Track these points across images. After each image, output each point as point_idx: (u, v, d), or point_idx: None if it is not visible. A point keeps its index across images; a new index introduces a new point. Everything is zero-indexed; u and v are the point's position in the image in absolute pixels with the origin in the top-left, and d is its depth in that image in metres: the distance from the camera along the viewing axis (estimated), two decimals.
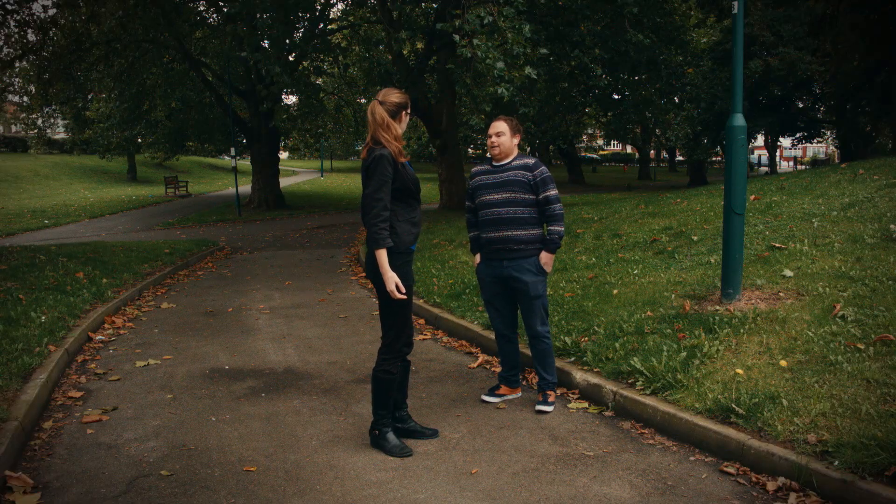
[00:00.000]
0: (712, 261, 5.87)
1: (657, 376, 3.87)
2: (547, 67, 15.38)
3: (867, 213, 6.19)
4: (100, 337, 5.95)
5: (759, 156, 53.05)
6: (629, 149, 62.78)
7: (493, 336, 4.99)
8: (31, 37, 15.85)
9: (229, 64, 21.68)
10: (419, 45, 20.26)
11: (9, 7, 13.07)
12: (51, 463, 3.39)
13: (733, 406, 3.40)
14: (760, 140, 38.09)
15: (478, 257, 4.25)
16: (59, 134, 43.23)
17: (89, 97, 26.17)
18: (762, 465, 3.06)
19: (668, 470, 3.20)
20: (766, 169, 43.60)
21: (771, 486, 2.93)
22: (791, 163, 57.97)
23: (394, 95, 3.44)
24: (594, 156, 62.95)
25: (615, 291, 5.70)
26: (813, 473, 2.84)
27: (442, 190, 18.74)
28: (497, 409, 4.09)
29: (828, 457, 2.89)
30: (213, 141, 28.84)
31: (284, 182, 33.23)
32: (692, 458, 3.31)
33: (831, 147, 54.41)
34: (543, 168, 4.03)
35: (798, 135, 28.11)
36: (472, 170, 4.28)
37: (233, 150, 22.28)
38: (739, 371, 3.72)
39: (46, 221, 18.78)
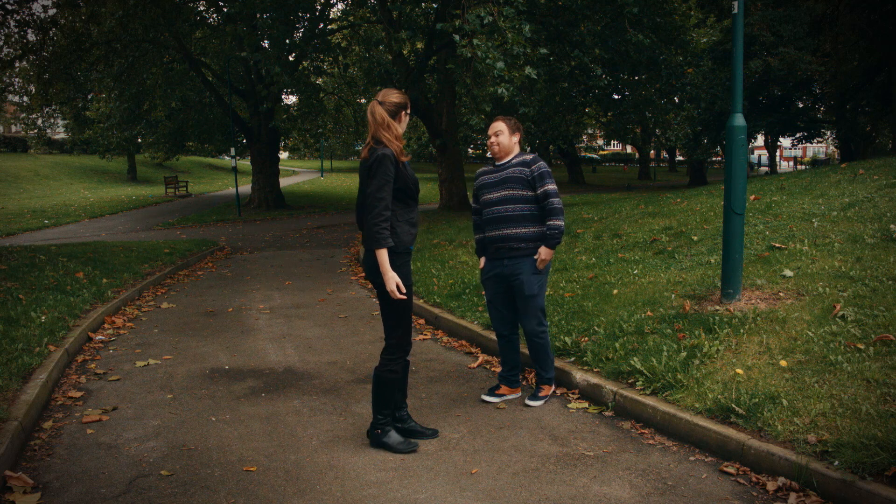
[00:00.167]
0: (712, 261, 5.87)
1: (657, 376, 3.87)
2: (547, 67, 15.37)
3: (867, 213, 6.19)
4: (100, 337, 5.95)
5: (759, 156, 53.06)
6: (629, 149, 62.80)
7: (493, 336, 5.00)
8: (31, 37, 15.87)
9: (229, 64, 21.69)
10: (419, 45, 20.26)
11: (9, 7, 13.08)
12: (51, 463, 3.39)
13: (733, 406, 3.40)
14: (760, 140, 38.10)
15: (482, 261, 4.25)
16: (59, 134, 43.28)
17: (89, 97, 26.19)
18: (762, 465, 3.06)
19: (668, 470, 3.20)
20: (766, 169, 43.62)
21: (771, 486, 2.94)
22: (791, 163, 58.00)
23: (393, 96, 3.44)
24: (594, 156, 62.96)
25: (615, 291, 5.70)
26: (813, 473, 2.84)
27: (442, 190, 18.74)
28: (497, 409, 4.09)
29: (828, 457, 2.89)
30: (213, 141, 28.84)
31: (284, 182, 33.28)
32: (692, 458, 3.31)
33: (831, 147, 54.45)
34: (541, 163, 4.00)
35: (798, 135, 28.12)
36: (478, 171, 4.29)
37: (233, 150, 22.30)
38: (739, 371, 3.72)
39: (46, 221, 18.78)
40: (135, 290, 7.98)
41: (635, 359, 4.10)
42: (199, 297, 8.10)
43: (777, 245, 5.73)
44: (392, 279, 3.27)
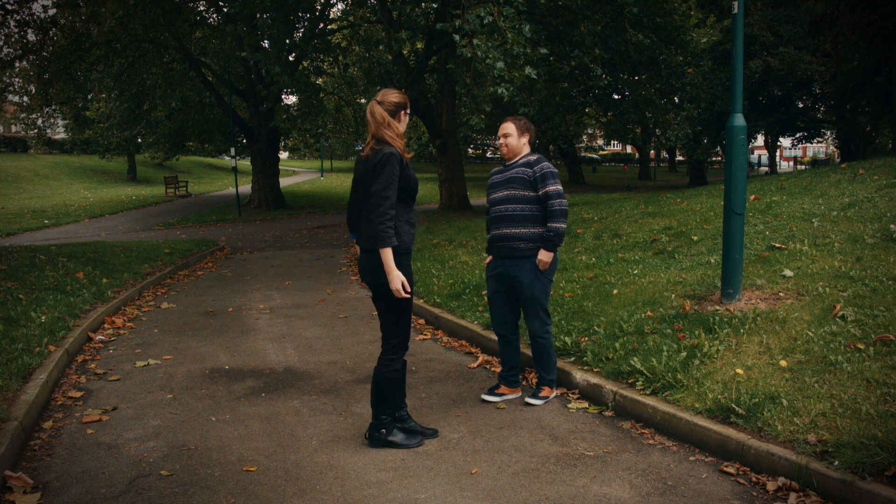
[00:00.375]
0: (712, 261, 5.87)
1: (657, 376, 3.87)
2: (547, 67, 15.38)
3: (867, 213, 6.19)
4: (100, 337, 5.95)
5: (759, 156, 53.04)
6: (629, 149, 62.78)
7: (493, 336, 5.00)
8: (31, 37, 15.87)
9: (229, 64, 21.69)
10: (419, 45, 20.26)
11: (9, 7, 13.08)
12: (51, 463, 3.39)
13: (733, 406, 3.40)
14: (760, 140, 38.10)
15: (488, 258, 4.26)
16: (59, 134, 43.29)
17: (89, 97, 26.18)
18: (762, 465, 3.06)
19: (668, 470, 3.20)
20: (766, 169, 43.61)
21: (771, 486, 2.94)
22: (791, 163, 57.99)
23: (392, 95, 3.44)
24: (594, 156, 62.95)
25: (615, 291, 5.70)
26: (813, 473, 2.84)
27: (442, 190, 18.74)
28: (497, 408, 4.09)
29: (828, 457, 2.89)
30: (213, 141, 28.84)
31: (284, 182, 33.27)
32: (692, 458, 3.31)
33: (831, 147, 54.45)
34: (545, 164, 4.00)
35: (798, 135, 28.12)
36: (492, 170, 4.32)
37: (233, 150, 22.30)
38: (739, 371, 3.72)
39: (46, 221, 18.78)
40: (135, 290, 7.98)
41: (635, 359, 4.10)
42: (199, 297, 8.10)
43: (777, 245, 5.73)
44: (397, 278, 3.27)
